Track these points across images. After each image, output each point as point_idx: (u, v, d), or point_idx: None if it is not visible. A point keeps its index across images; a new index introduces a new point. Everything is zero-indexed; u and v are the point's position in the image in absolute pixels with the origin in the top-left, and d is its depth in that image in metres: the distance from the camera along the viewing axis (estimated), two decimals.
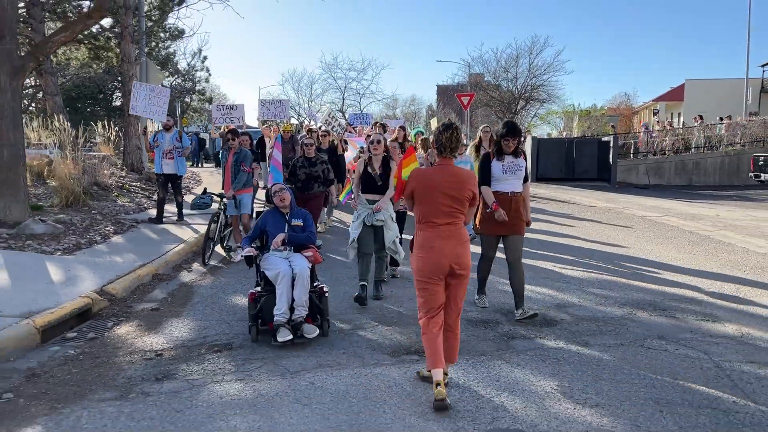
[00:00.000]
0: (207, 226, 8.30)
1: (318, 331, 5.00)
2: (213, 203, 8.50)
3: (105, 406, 3.79)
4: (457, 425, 3.50)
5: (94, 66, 22.45)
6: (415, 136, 11.42)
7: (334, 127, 13.42)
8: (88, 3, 17.03)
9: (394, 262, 7.27)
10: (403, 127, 11.19)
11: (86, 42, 18.40)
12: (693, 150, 25.09)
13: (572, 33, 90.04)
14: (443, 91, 63.83)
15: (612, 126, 35.08)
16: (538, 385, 4.10)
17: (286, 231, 5.55)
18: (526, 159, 5.90)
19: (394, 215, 6.51)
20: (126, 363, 4.61)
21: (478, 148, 9.67)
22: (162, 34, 27.56)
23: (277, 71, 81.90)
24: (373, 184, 6.45)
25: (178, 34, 27.79)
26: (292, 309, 5.07)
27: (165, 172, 10.32)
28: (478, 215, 5.81)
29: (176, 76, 39.74)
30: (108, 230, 9.32)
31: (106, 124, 16.88)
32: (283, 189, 5.73)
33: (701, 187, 23.21)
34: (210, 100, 47.22)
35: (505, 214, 5.56)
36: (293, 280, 5.13)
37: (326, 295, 5.31)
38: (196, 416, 3.64)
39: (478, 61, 45.28)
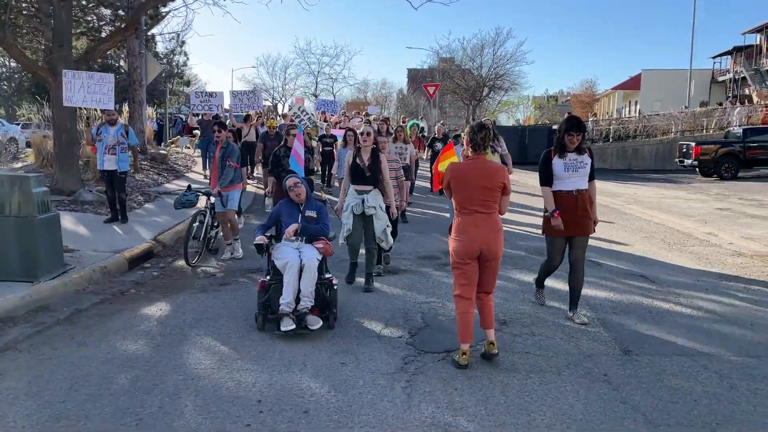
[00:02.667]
0: (188, 224, 7.81)
1: (321, 323, 5.05)
2: (198, 200, 8.12)
3: (196, 294, 6.34)
4: (393, 306, 6.13)
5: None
6: (411, 128, 12.98)
7: (302, 120, 13.48)
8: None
9: (383, 259, 7.43)
10: (387, 119, 12.44)
11: (88, 34, 20.38)
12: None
13: (540, 20, 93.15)
14: (413, 75, 66.02)
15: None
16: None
17: (299, 221, 5.59)
18: (591, 156, 5.53)
19: (384, 206, 6.62)
20: (194, 279, 7.12)
21: None
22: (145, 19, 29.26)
23: (251, 55, 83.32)
24: (362, 174, 6.52)
25: (158, 18, 29.61)
26: (298, 300, 5.14)
27: (105, 168, 9.52)
28: (543, 218, 5.70)
29: (156, 59, 41.32)
30: (140, 199, 11.73)
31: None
32: (298, 184, 5.72)
33: (638, 171, 26.24)
34: (188, 84, 48.86)
35: (562, 224, 5.41)
36: (301, 270, 5.20)
37: (335, 287, 5.39)
38: (254, 296, 6.23)
39: (446, 50, 47.80)
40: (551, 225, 5.47)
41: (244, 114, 16.53)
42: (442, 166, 5.48)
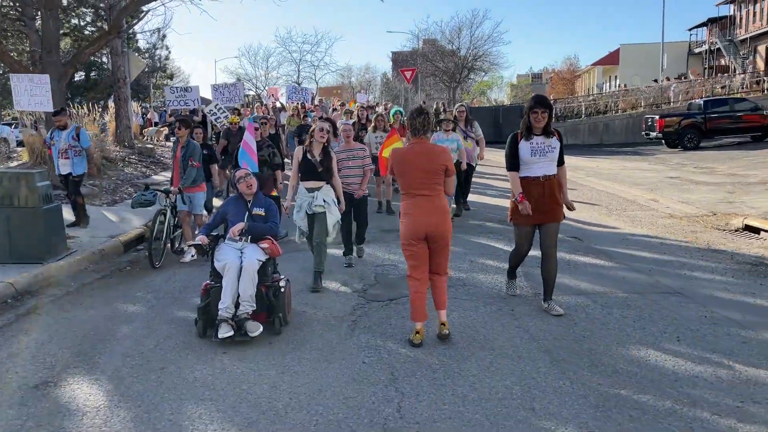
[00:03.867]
0: (152, 225, 7.57)
1: (261, 328, 4.74)
2: (156, 200, 7.84)
3: (184, 269, 7.35)
4: (352, 270, 7.17)
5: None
6: (394, 115, 12.37)
7: (218, 117, 12.18)
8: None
9: (349, 251, 7.27)
10: (372, 106, 12.03)
11: (71, 35, 21.17)
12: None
13: None
14: (397, 59, 66.64)
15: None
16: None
17: (245, 220, 5.27)
18: (560, 139, 5.28)
19: (335, 200, 6.39)
20: (181, 257, 8.11)
21: (454, 128, 9.63)
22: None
23: (234, 45, 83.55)
24: (313, 170, 6.29)
25: (138, 17, 30.37)
26: (239, 304, 4.85)
27: (61, 173, 9.37)
28: (510, 205, 5.39)
29: (138, 55, 42.01)
30: (130, 191, 12.69)
31: (90, 106, 19.81)
32: (248, 175, 5.47)
33: (609, 145, 27.31)
34: (171, 77, 49.43)
35: (530, 207, 5.12)
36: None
37: (282, 290, 5.07)
38: None
39: (425, 33, 48.75)
40: (518, 212, 5.22)
41: (234, 108, 15.89)
42: (386, 152, 5.40)
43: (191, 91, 14.24)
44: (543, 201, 5.16)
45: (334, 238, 6.49)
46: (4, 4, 14.66)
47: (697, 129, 22.73)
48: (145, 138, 24.03)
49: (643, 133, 24.59)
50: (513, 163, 5.26)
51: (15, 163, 14.64)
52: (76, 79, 36.17)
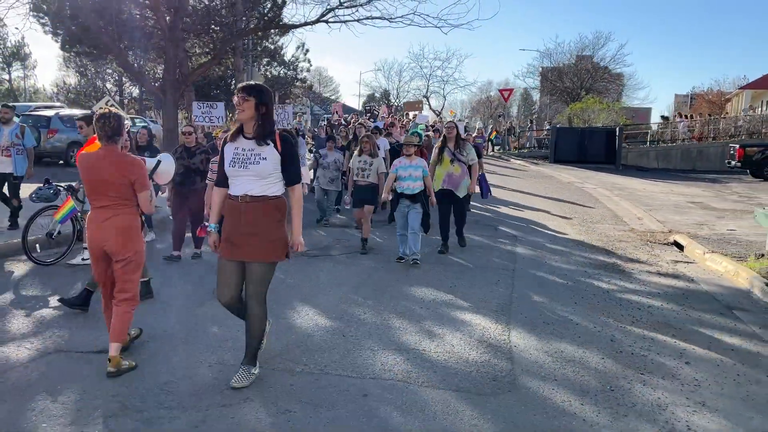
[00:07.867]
0: (28, 222, 7.15)
1: None
2: (57, 196, 7.31)
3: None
4: None
5: (216, 69, 30.13)
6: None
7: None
8: None
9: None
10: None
11: (202, 54, 26.00)
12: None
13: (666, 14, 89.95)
14: (545, 73, 67.54)
15: (664, 117, 38.80)
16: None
17: None
18: (285, 147, 3.88)
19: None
20: None
21: (441, 149, 8.33)
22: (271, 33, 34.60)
23: (370, 58, 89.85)
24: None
25: (285, 31, 35.02)
26: None
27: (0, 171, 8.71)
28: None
29: (282, 67, 47.73)
30: None
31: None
32: None
33: (698, 172, 27.22)
34: (311, 87, 55.16)
35: (216, 241, 4.04)
36: None
37: None
38: None
39: (554, 52, 50.25)
40: (222, 243, 4.04)
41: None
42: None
43: (216, 108, 13.94)
44: (239, 230, 3.90)
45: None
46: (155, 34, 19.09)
47: None
48: None
49: (726, 161, 24.69)
50: (219, 175, 4.05)
51: None
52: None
